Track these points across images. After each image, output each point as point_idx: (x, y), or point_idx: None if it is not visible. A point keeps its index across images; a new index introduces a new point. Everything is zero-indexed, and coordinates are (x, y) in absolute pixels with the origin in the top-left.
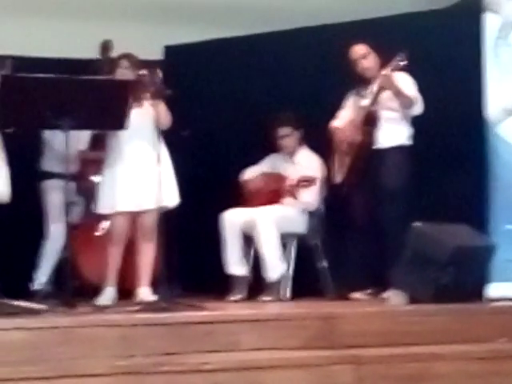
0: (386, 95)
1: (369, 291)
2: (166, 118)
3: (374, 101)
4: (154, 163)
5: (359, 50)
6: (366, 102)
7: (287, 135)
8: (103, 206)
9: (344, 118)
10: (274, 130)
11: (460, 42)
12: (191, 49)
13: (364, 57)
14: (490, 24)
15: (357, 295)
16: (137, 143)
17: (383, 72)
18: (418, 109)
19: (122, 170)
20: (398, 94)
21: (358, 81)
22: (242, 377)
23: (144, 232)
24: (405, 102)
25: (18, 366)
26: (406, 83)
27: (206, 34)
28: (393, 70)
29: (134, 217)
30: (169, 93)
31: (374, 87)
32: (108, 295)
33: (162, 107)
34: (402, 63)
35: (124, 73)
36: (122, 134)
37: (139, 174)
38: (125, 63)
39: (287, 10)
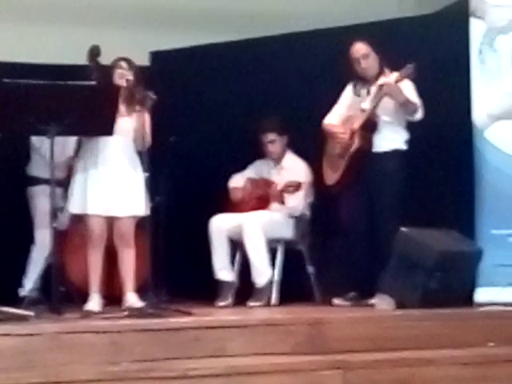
0: (386, 99)
1: (350, 296)
2: (144, 136)
3: (376, 106)
4: (130, 171)
5: (360, 49)
6: (366, 105)
7: (273, 141)
8: (75, 205)
9: (338, 115)
10: (260, 136)
11: (447, 47)
12: (177, 55)
13: (365, 57)
14: (476, 30)
15: (339, 301)
16: (114, 149)
17: (389, 82)
18: (420, 114)
19: (96, 174)
20: (405, 102)
21: (356, 77)
22: (230, 383)
23: (121, 238)
24: (410, 109)
25: (6, 372)
26: (409, 90)
27: (192, 40)
28: (398, 80)
29: (111, 222)
30: (154, 98)
31: (374, 91)
32: (94, 302)
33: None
34: (409, 75)
35: (123, 73)
36: (101, 138)
37: (113, 180)
38: (123, 64)
39: (273, 16)
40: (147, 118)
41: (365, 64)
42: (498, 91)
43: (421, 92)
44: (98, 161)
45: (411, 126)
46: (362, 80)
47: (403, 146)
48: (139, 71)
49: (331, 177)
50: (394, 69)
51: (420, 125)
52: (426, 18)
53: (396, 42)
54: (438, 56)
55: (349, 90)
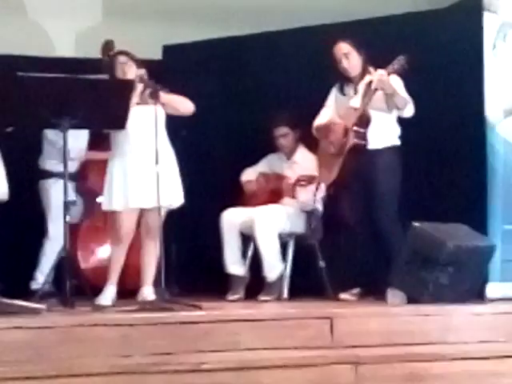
0: (377, 96)
1: (355, 291)
2: (182, 105)
3: (368, 102)
4: (159, 161)
5: (341, 48)
6: (356, 103)
7: (284, 135)
8: (115, 202)
9: (326, 117)
10: (271, 130)
11: (459, 42)
12: (190, 48)
13: (345, 56)
14: (489, 24)
15: (346, 296)
16: (142, 141)
17: (379, 75)
18: (410, 111)
19: (127, 168)
20: (394, 95)
21: (340, 77)
22: (241, 377)
23: (148, 230)
24: (399, 102)
25: (18, 365)
26: (399, 86)
27: (205, 34)
28: (390, 73)
29: (140, 215)
30: (166, 92)
31: (362, 88)
32: (108, 294)
33: (172, 98)
34: (400, 67)
35: (124, 68)
36: (128, 132)
37: (144, 173)
38: (122, 59)
39: (286, 10)
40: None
41: (345, 63)
42: (511, 86)
43: (434, 86)
44: (126, 153)
45: (424, 121)
46: (348, 80)
47: (397, 142)
48: (140, 63)
49: (328, 176)
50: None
51: (433, 119)
52: (439, 12)
53: (409, 36)
54: (451, 50)
55: (334, 91)
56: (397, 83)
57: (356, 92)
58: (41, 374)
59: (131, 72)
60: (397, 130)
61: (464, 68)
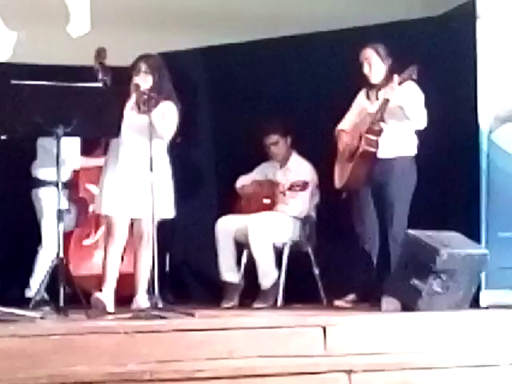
0: (393, 105)
1: (349, 298)
2: (162, 128)
3: (381, 111)
4: (153, 171)
5: (365, 53)
6: (372, 109)
7: (275, 143)
8: (101, 207)
9: (349, 121)
10: (262, 138)
11: (453, 49)
12: (185, 56)
13: (367, 61)
14: (483, 31)
15: (340, 303)
16: (136, 149)
17: (389, 85)
18: (422, 123)
19: (120, 175)
20: (403, 106)
21: (366, 82)
22: None
23: (141, 239)
24: (408, 114)
25: (12, 373)
26: (413, 96)
27: (201, 42)
28: (400, 83)
29: (132, 223)
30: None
31: (380, 96)
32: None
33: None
34: (408, 77)
35: (143, 77)
36: (123, 139)
37: (137, 181)
38: (142, 66)
39: (282, 18)
40: (167, 110)
41: (366, 69)
42: (504, 93)
43: (426, 94)
44: (120, 162)
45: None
46: (372, 85)
47: (412, 152)
48: (161, 66)
49: (340, 181)
50: (399, 70)
51: (427, 127)
52: (432, 19)
53: (403, 43)
54: (444, 58)
55: (361, 96)
56: (412, 93)
57: (378, 98)
58: (34, 382)
59: (147, 81)
60: (412, 140)
61: (457, 75)
